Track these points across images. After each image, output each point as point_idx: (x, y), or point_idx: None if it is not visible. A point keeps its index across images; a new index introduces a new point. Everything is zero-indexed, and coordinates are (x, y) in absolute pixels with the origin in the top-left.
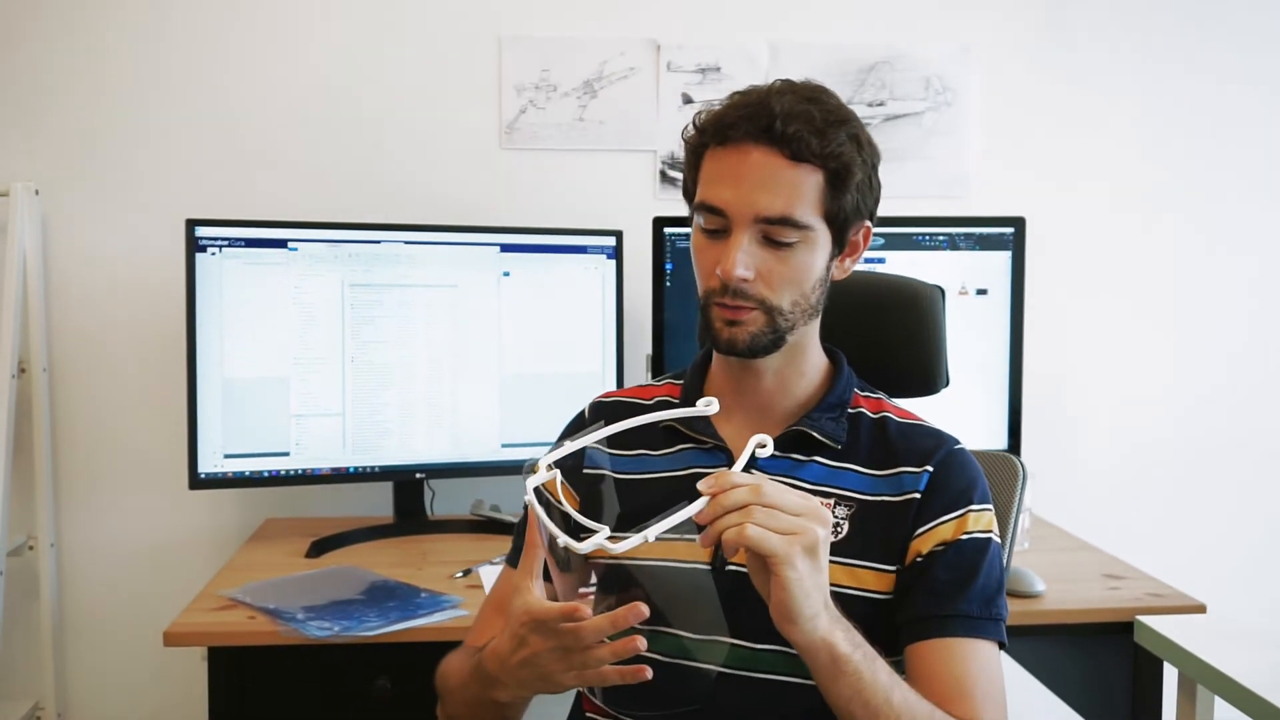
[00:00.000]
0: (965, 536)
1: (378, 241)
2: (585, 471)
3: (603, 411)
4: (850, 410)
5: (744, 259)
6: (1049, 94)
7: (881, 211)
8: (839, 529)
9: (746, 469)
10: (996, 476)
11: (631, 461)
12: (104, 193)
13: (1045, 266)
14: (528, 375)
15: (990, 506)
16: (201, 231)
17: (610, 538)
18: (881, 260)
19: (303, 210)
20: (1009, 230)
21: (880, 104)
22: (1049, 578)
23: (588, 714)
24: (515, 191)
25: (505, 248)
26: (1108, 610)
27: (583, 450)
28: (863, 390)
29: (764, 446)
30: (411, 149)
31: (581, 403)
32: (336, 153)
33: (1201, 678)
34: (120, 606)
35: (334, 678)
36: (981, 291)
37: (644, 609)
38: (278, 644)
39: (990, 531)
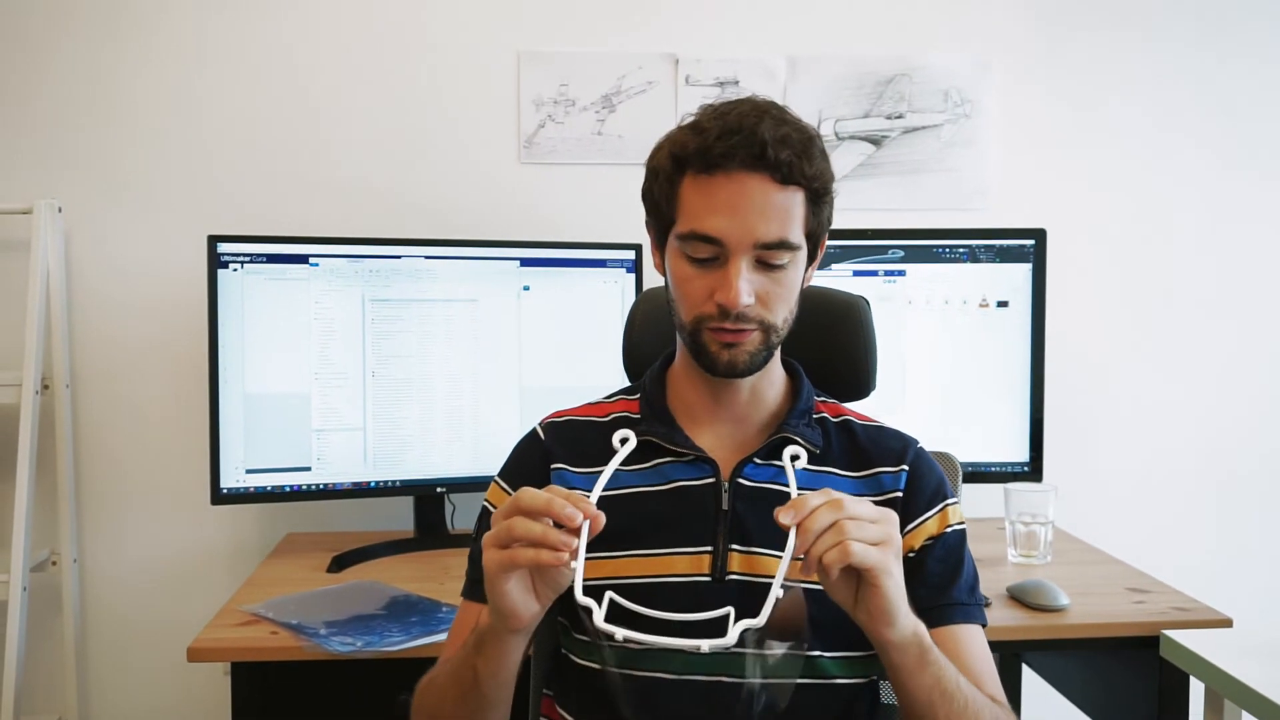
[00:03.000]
0: (949, 529)
1: (398, 256)
2: None
3: (558, 431)
4: (816, 415)
5: (746, 287)
6: (1068, 105)
7: (901, 224)
8: None
9: (734, 483)
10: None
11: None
12: (126, 209)
13: (1066, 277)
14: (548, 388)
15: (957, 498)
16: (223, 248)
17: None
18: (902, 273)
19: (324, 226)
20: (1029, 242)
21: (899, 116)
22: (1072, 591)
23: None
24: (534, 206)
25: (525, 262)
26: (1133, 624)
27: (544, 469)
28: (818, 396)
29: (798, 459)
30: (431, 164)
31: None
32: (357, 169)
33: (1228, 692)
34: (143, 622)
35: (356, 693)
36: (1002, 304)
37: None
38: (300, 659)
39: (963, 523)
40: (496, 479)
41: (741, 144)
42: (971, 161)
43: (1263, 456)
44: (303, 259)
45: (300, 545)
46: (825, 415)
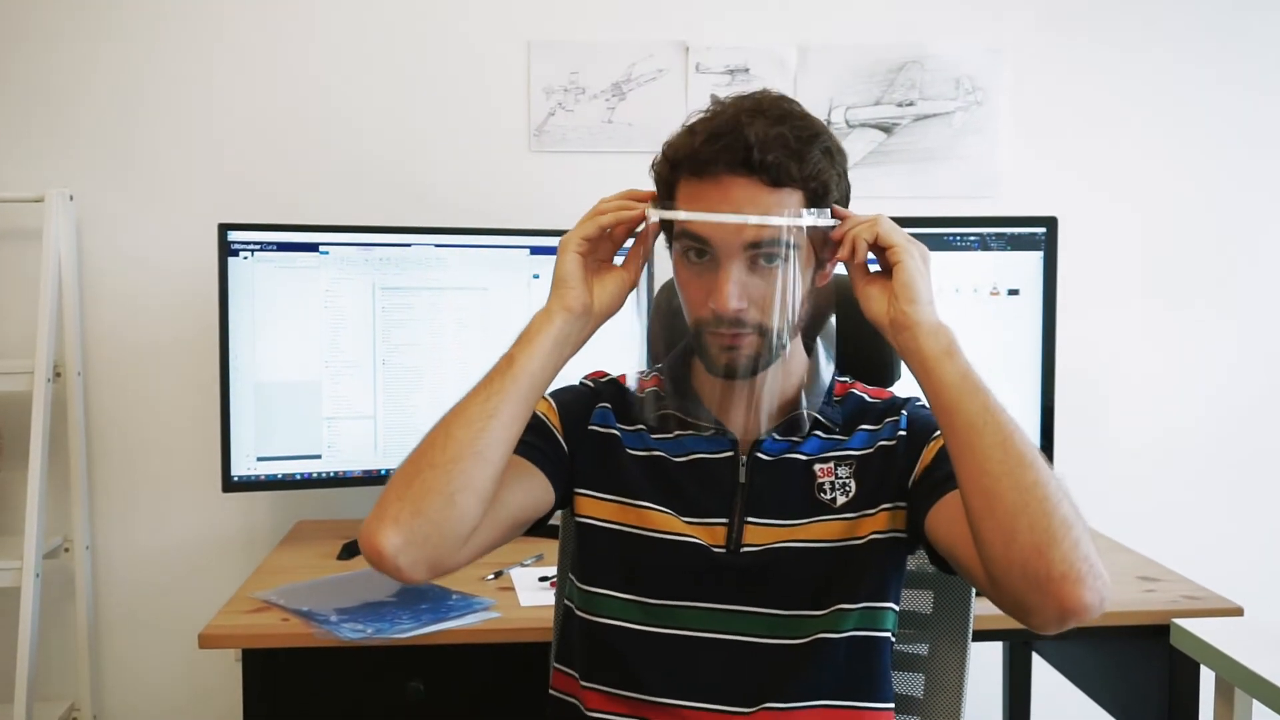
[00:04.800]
0: (940, 451)
1: (408, 245)
2: (591, 429)
3: (604, 386)
4: (836, 397)
5: (735, 291)
6: (1080, 93)
7: (911, 212)
8: (847, 488)
9: (751, 457)
10: None
11: (635, 436)
12: (138, 198)
13: (1078, 265)
14: (558, 376)
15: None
16: (234, 236)
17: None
18: None
19: (334, 215)
20: (1041, 230)
21: (910, 104)
22: None
23: (553, 690)
24: (545, 194)
25: (535, 250)
26: (1143, 613)
27: (590, 406)
28: (840, 378)
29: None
30: (442, 153)
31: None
32: (367, 158)
33: (1239, 681)
34: (155, 608)
35: (367, 680)
36: (1013, 292)
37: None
38: (311, 646)
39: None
40: (546, 395)
41: (727, 148)
42: (983, 149)
43: (1275, 443)
44: (313, 247)
45: (311, 533)
46: (848, 394)
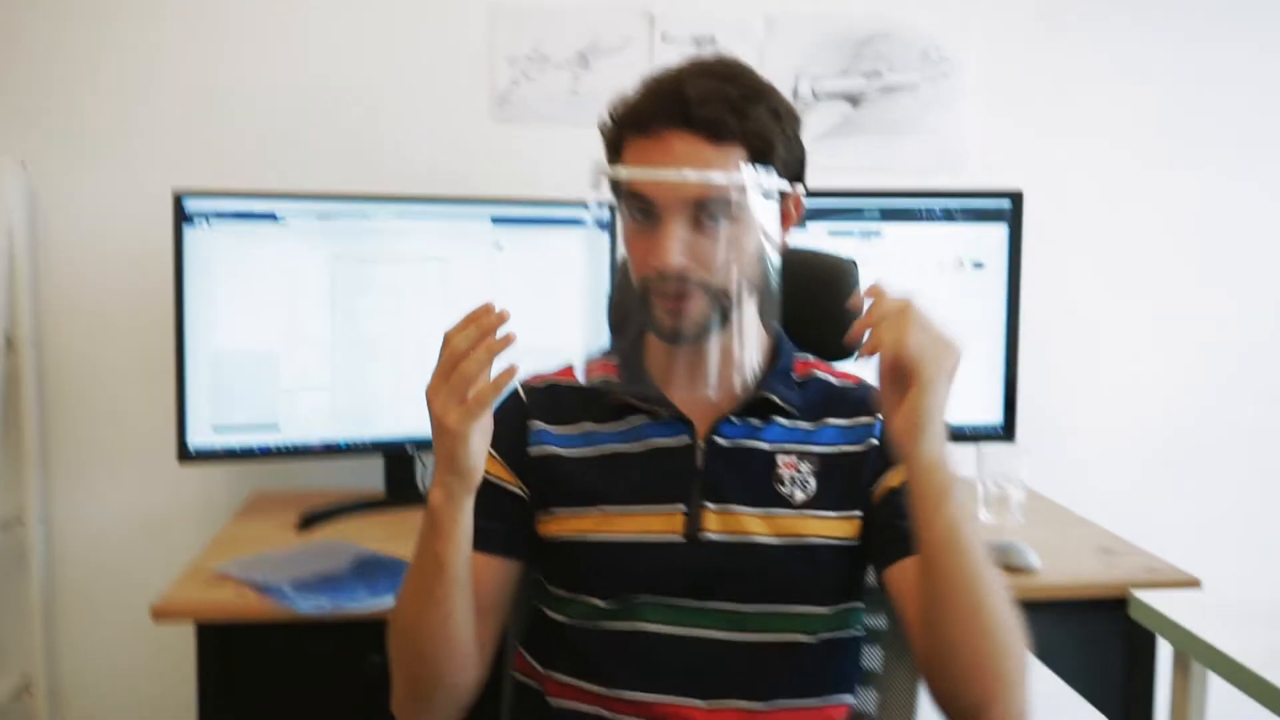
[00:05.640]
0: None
1: (367, 216)
2: (531, 453)
3: (538, 394)
4: (797, 378)
5: (677, 246)
6: (1048, 65)
7: (875, 184)
8: (807, 486)
9: (709, 443)
10: None
11: (579, 438)
12: (91, 165)
13: (1045, 240)
14: (520, 348)
15: None
16: (190, 205)
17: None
18: (878, 234)
19: (294, 182)
20: (1005, 204)
21: (877, 75)
22: (1043, 552)
23: (515, 672)
24: (508, 164)
25: (497, 219)
26: (1101, 585)
27: (524, 431)
28: (800, 357)
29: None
30: (404, 121)
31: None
32: (326, 126)
33: (1195, 652)
34: (110, 582)
35: (324, 653)
36: (978, 265)
37: (494, 306)
38: (266, 619)
39: None
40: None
41: (665, 103)
42: (950, 122)
43: (1236, 417)
44: (270, 216)
45: (269, 504)
46: (808, 373)
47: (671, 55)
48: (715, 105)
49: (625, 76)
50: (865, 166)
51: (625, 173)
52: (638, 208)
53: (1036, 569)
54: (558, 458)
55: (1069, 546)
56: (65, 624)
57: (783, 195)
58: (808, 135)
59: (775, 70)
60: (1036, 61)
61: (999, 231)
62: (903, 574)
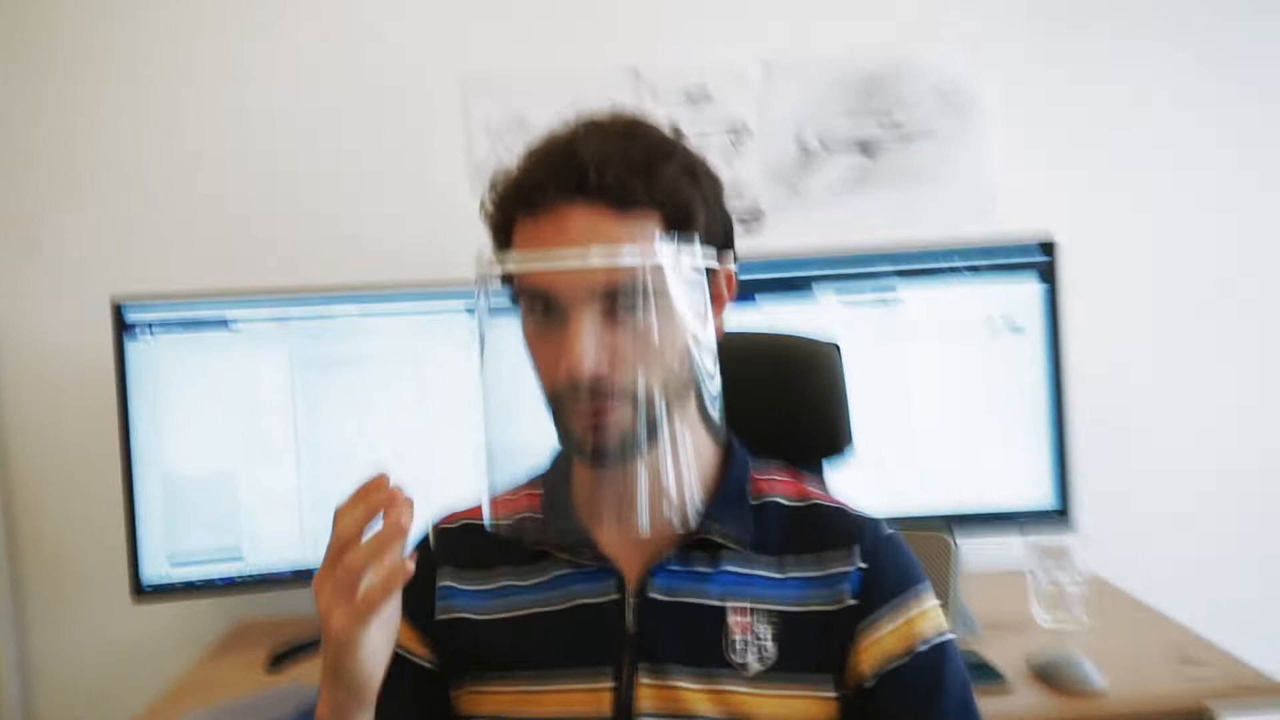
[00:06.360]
0: (922, 647)
1: (331, 317)
2: (440, 617)
3: (448, 537)
4: (753, 500)
5: (589, 347)
6: (1072, 103)
7: (891, 239)
8: (764, 653)
9: (642, 597)
10: (926, 555)
11: (494, 596)
12: (25, 270)
13: (1084, 293)
14: (507, 446)
15: (935, 600)
16: (132, 315)
17: None
18: (896, 300)
19: (246, 279)
20: (1042, 258)
21: (891, 120)
22: (1111, 662)
23: None
24: (487, 242)
25: (472, 310)
26: (1181, 701)
27: (431, 588)
28: (760, 471)
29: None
30: (370, 200)
31: None
32: (285, 214)
33: None
34: None
35: None
36: (1016, 329)
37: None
38: None
39: (942, 630)
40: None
41: (556, 170)
42: (971, 168)
43: None
44: (222, 323)
45: (247, 635)
46: (767, 496)
47: (662, 115)
48: (617, 168)
49: None
50: (879, 224)
51: (516, 261)
52: (538, 303)
53: (1101, 691)
54: (468, 621)
55: (1142, 654)
56: None
57: (710, 271)
58: (818, 186)
59: (777, 121)
60: (1060, 97)
61: (1032, 287)
62: None
